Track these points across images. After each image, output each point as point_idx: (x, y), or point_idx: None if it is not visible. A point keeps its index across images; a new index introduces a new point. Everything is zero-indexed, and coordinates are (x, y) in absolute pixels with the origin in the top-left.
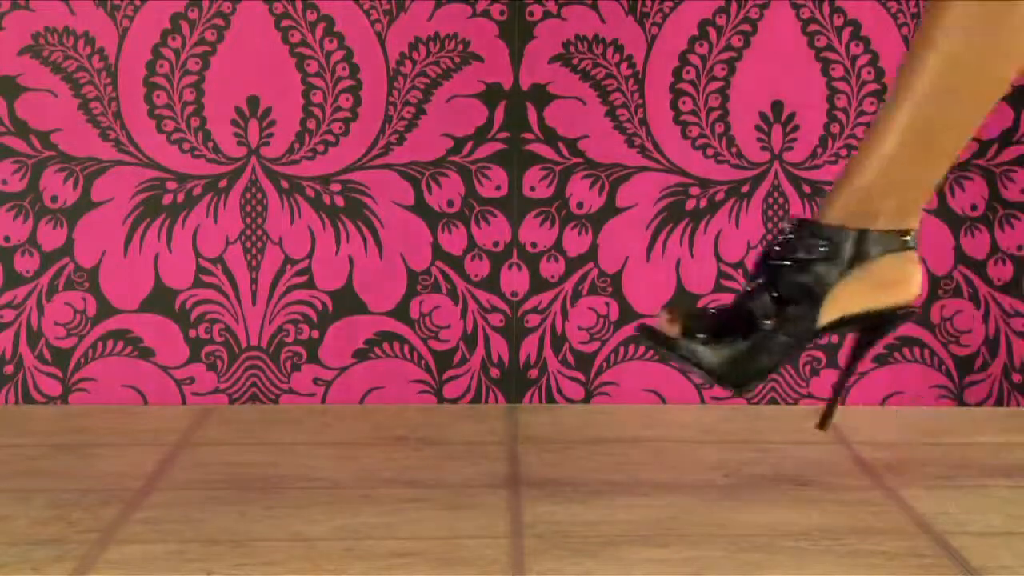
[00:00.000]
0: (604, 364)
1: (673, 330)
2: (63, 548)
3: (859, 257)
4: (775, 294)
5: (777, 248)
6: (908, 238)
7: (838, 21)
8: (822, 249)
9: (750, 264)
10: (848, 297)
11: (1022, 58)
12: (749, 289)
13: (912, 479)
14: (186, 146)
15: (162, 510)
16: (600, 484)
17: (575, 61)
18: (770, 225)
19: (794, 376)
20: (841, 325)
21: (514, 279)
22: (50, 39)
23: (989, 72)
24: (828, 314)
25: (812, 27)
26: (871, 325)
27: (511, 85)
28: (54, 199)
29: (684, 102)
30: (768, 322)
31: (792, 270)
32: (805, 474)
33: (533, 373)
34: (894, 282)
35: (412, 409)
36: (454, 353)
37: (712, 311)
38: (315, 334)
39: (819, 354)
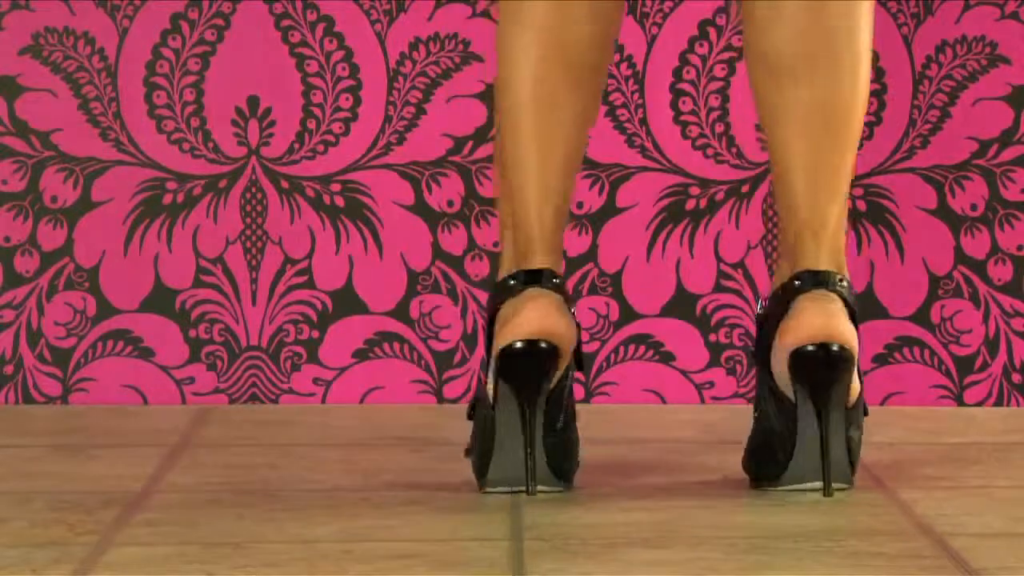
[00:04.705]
0: (604, 364)
1: None
2: (63, 550)
3: (493, 310)
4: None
5: None
6: (512, 281)
7: None
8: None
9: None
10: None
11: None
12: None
13: (912, 479)
14: (186, 146)
15: (162, 512)
16: (600, 485)
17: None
18: (770, 225)
19: None
20: (496, 381)
21: None
22: (50, 39)
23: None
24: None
25: None
26: (505, 376)
27: None
28: (54, 199)
29: (684, 102)
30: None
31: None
32: None
33: None
34: (504, 327)
35: (412, 409)
36: (454, 353)
37: None
38: (315, 334)
39: None
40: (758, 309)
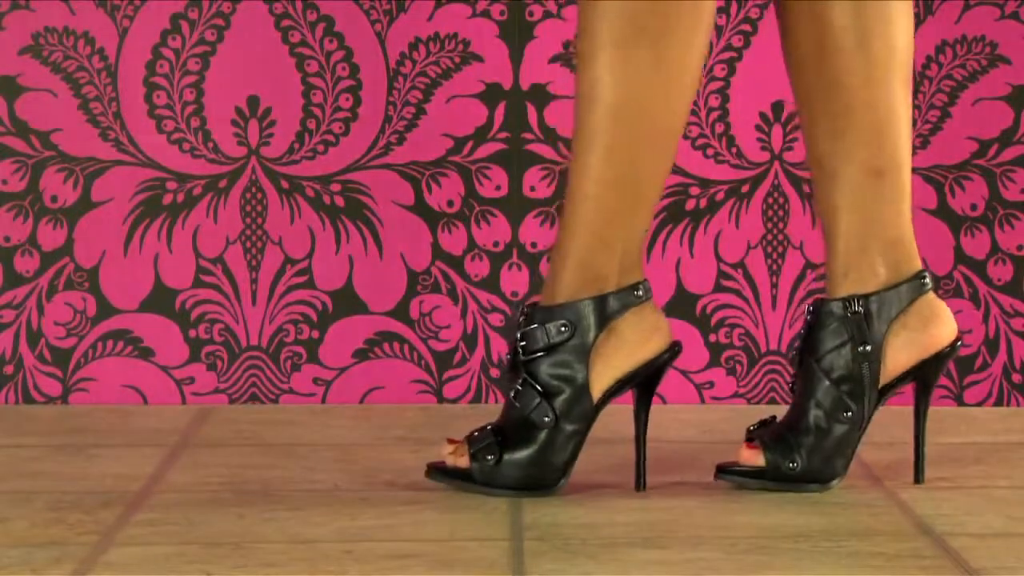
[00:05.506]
0: None
1: (463, 461)
2: (63, 550)
3: (602, 323)
4: (539, 389)
5: (522, 344)
6: (639, 291)
7: None
8: (564, 330)
9: (501, 370)
10: (608, 363)
11: (684, 98)
12: (512, 394)
13: (912, 480)
14: (186, 146)
15: (162, 512)
16: (600, 485)
17: (575, 61)
18: (769, 225)
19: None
20: (616, 391)
21: (514, 279)
22: (50, 39)
23: (655, 118)
24: (597, 387)
25: None
26: (644, 380)
27: (511, 85)
28: (54, 199)
29: None
30: (547, 419)
31: (544, 361)
32: None
33: None
34: (645, 334)
35: (412, 409)
36: (454, 353)
37: (489, 428)
38: (315, 334)
39: None
40: (809, 316)
